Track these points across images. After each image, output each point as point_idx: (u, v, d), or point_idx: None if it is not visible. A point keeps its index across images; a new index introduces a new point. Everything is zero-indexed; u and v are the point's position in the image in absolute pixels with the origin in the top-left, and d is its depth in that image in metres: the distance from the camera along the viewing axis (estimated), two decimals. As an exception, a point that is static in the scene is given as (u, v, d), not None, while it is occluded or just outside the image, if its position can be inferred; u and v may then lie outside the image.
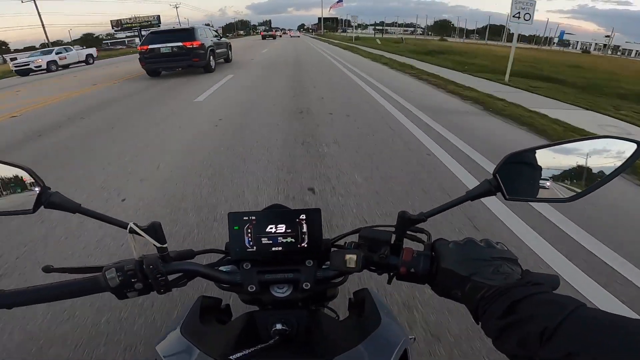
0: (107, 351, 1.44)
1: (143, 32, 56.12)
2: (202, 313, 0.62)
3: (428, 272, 0.49)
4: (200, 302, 0.64)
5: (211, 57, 10.72)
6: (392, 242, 0.53)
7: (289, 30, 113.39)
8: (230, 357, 0.46)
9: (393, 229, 0.54)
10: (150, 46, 9.77)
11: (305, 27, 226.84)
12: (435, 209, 0.55)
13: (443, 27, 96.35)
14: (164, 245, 0.53)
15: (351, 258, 0.50)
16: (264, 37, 56.40)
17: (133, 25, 54.96)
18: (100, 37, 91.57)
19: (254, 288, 0.56)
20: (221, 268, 0.60)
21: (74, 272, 0.53)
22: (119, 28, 56.51)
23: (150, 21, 53.90)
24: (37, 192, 0.50)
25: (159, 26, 48.41)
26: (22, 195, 0.50)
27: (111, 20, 56.63)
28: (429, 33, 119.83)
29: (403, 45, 25.88)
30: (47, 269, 0.52)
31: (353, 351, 0.50)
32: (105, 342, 1.49)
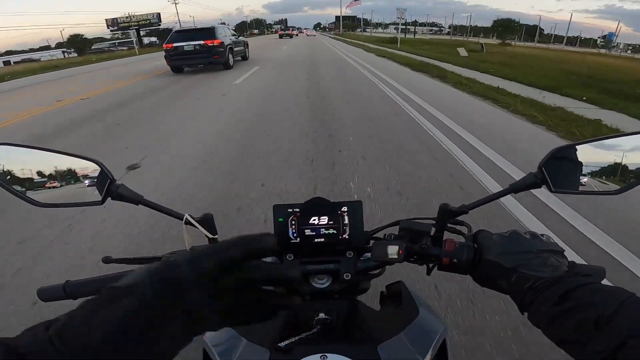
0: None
1: (141, 32, 48.73)
2: None
3: (471, 263, 0.50)
4: None
5: (230, 55, 11.46)
6: (432, 233, 0.55)
7: (305, 29, 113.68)
8: (280, 345, 0.49)
9: (432, 221, 0.56)
10: (175, 44, 10.58)
11: (321, 26, 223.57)
12: (476, 201, 0.56)
13: (507, 29, 67.83)
14: (215, 237, 0.57)
15: (393, 249, 0.51)
16: (281, 36, 56.87)
17: (131, 24, 48.00)
18: (93, 38, 78.05)
19: (297, 279, 0.58)
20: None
21: (131, 262, 0.55)
22: (115, 28, 49.96)
23: (150, 19, 48.37)
24: (107, 183, 0.52)
25: (159, 25, 45.38)
26: (91, 187, 0.52)
27: (106, 19, 48.99)
28: (459, 34, 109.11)
29: (488, 57, 15.31)
30: (107, 260, 0.55)
31: (395, 339, 0.53)
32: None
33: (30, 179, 0.44)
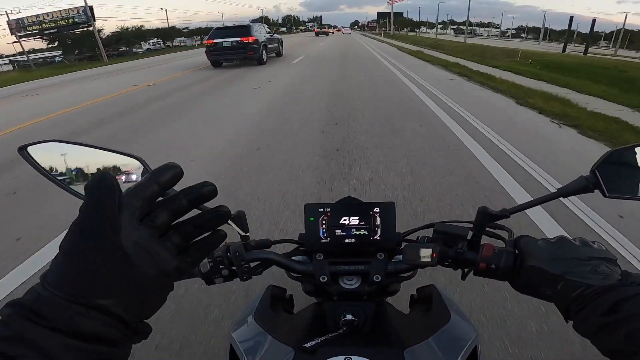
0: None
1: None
2: (272, 302, 0.67)
3: (510, 269, 0.47)
4: (270, 291, 0.70)
5: (264, 52, 12.41)
6: (469, 237, 0.53)
7: (342, 27, 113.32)
8: (306, 345, 0.50)
9: (469, 224, 0.54)
10: (215, 40, 11.72)
11: (359, 24, 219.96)
12: (520, 205, 0.53)
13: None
14: (247, 234, 0.56)
15: (427, 252, 0.49)
16: (317, 34, 57.33)
17: (44, 26, 31.06)
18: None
19: (326, 278, 0.58)
20: (294, 258, 0.63)
21: None
22: (22, 33, 31.36)
23: (74, 17, 30.11)
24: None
25: (88, 24, 29.32)
26: (131, 184, 0.52)
27: (8, 22, 30.58)
28: (529, 37, 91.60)
29: None
30: None
31: (423, 344, 0.52)
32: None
33: (77, 174, 0.45)
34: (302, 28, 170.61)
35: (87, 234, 0.25)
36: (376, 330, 0.58)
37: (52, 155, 0.43)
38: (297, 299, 0.81)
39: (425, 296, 0.68)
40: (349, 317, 0.57)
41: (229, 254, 0.55)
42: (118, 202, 0.26)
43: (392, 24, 68.61)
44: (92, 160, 0.46)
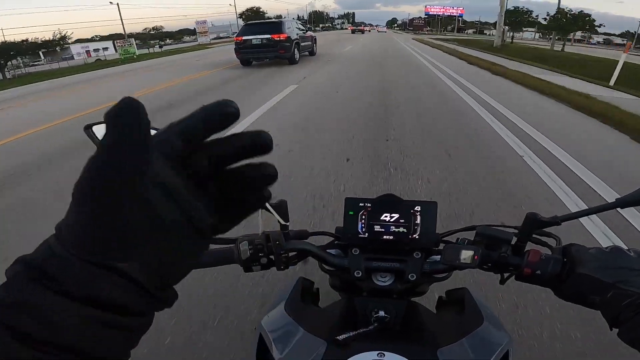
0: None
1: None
2: (302, 293, 0.66)
3: (556, 276, 0.47)
4: (301, 283, 0.69)
5: (296, 50, 11.55)
6: (513, 243, 0.52)
7: (377, 25, 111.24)
8: (338, 337, 0.49)
9: (514, 230, 0.53)
10: (244, 37, 10.99)
11: (397, 22, 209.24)
12: (572, 213, 0.51)
13: None
14: (287, 224, 0.56)
15: (468, 254, 0.49)
16: (353, 32, 57.41)
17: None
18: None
19: (360, 274, 0.57)
20: (329, 251, 0.62)
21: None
22: None
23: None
24: None
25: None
26: None
27: None
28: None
29: None
30: None
31: (457, 345, 0.51)
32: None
33: None
34: (324, 26, 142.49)
35: (103, 173, 0.19)
36: (408, 328, 0.58)
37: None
38: (321, 292, 0.78)
39: (456, 299, 0.67)
40: (381, 313, 0.56)
41: (269, 243, 0.54)
42: (145, 134, 0.19)
43: (501, 22, 22.52)
44: None
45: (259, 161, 0.23)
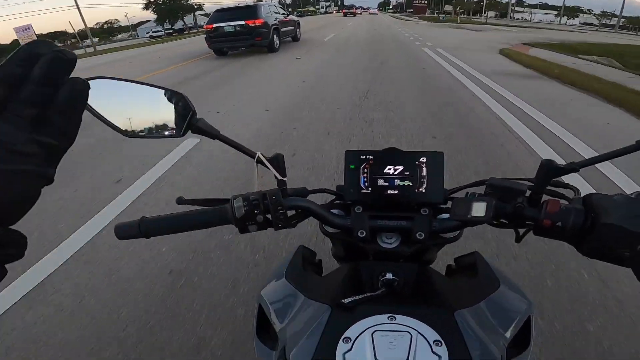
0: None
1: None
2: (303, 262, 0.62)
3: (579, 228, 0.42)
4: (301, 251, 0.64)
5: (275, 36, 10.41)
6: (527, 195, 0.47)
7: (368, 8, 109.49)
8: (343, 301, 0.45)
9: (528, 183, 0.49)
10: (215, 25, 9.80)
11: (390, 5, 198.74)
12: (590, 159, 0.47)
13: None
14: (284, 179, 0.54)
15: (480, 206, 0.45)
16: (345, 15, 58.15)
17: None
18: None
19: (364, 234, 0.54)
20: (332, 210, 0.58)
21: (203, 203, 0.55)
22: None
23: None
24: (189, 116, 0.50)
25: None
26: (172, 120, 0.50)
27: None
28: None
29: None
30: (180, 201, 0.56)
31: (474, 308, 0.47)
32: None
33: (120, 110, 0.46)
34: (312, 9, 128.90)
35: None
36: (419, 292, 0.53)
37: (99, 92, 0.42)
38: (325, 265, 0.72)
39: (467, 264, 0.62)
40: (389, 276, 0.53)
41: (265, 200, 0.51)
42: None
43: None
44: (136, 95, 0.49)
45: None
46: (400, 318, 0.42)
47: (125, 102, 0.47)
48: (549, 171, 0.47)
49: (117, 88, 0.46)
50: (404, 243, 0.55)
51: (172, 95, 0.48)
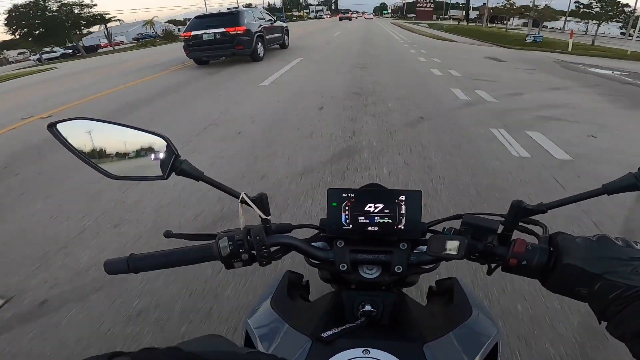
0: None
1: None
2: (289, 288, 0.64)
3: (543, 266, 0.45)
4: (287, 277, 0.67)
5: (259, 44, 9.80)
6: (499, 232, 0.50)
7: (363, 13, 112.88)
8: (322, 335, 0.48)
9: (500, 218, 0.51)
10: (193, 32, 9.15)
11: (387, 9, 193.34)
12: (559, 200, 0.50)
13: None
14: (268, 217, 0.56)
15: (453, 244, 0.48)
16: (341, 19, 59.74)
17: None
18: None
19: (346, 267, 0.56)
20: (313, 244, 0.60)
21: (190, 238, 0.56)
22: None
23: None
24: (172, 159, 0.51)
25: None
26: (157, 162, 0.51)
27: None
28: None
29: None
30: (168, 234, 0.56)
31: (444, 339, 0.50)
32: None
33: (103, 152, 0.46)
34: (299, 14, 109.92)
35: None
36: (395, 322, 0.57)
37: (80, 133, 0.45)
38: (313, 285, 0.77)
39: (445, 289, 0.66)
40: (367, 307, 0.56)
41: (249, 237, 0.53)
42: None
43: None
44: (119, 138, 0.50)
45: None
46: (374, 352, 0.47)
47: (109, 144, 0.48)
48: (519, 211, 0.49)
49: (100, 129, 0.47)
50: (385, 273, 0.57)
51: (156, 138, 0.50)
